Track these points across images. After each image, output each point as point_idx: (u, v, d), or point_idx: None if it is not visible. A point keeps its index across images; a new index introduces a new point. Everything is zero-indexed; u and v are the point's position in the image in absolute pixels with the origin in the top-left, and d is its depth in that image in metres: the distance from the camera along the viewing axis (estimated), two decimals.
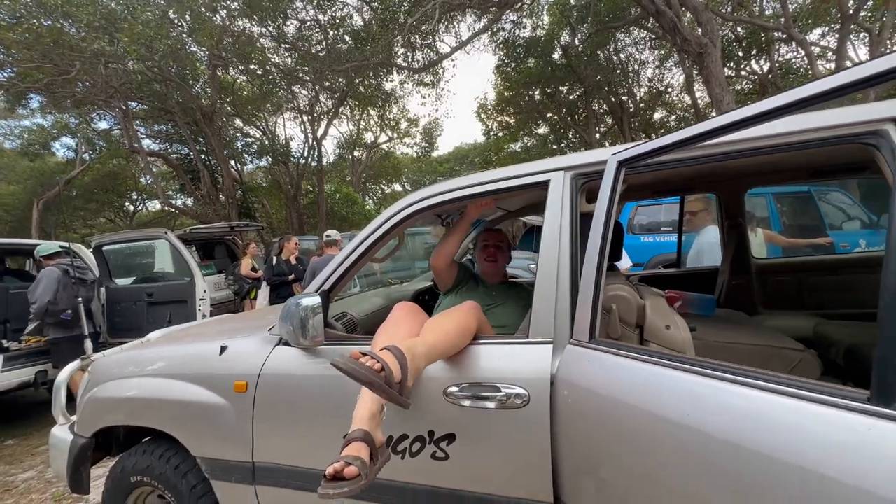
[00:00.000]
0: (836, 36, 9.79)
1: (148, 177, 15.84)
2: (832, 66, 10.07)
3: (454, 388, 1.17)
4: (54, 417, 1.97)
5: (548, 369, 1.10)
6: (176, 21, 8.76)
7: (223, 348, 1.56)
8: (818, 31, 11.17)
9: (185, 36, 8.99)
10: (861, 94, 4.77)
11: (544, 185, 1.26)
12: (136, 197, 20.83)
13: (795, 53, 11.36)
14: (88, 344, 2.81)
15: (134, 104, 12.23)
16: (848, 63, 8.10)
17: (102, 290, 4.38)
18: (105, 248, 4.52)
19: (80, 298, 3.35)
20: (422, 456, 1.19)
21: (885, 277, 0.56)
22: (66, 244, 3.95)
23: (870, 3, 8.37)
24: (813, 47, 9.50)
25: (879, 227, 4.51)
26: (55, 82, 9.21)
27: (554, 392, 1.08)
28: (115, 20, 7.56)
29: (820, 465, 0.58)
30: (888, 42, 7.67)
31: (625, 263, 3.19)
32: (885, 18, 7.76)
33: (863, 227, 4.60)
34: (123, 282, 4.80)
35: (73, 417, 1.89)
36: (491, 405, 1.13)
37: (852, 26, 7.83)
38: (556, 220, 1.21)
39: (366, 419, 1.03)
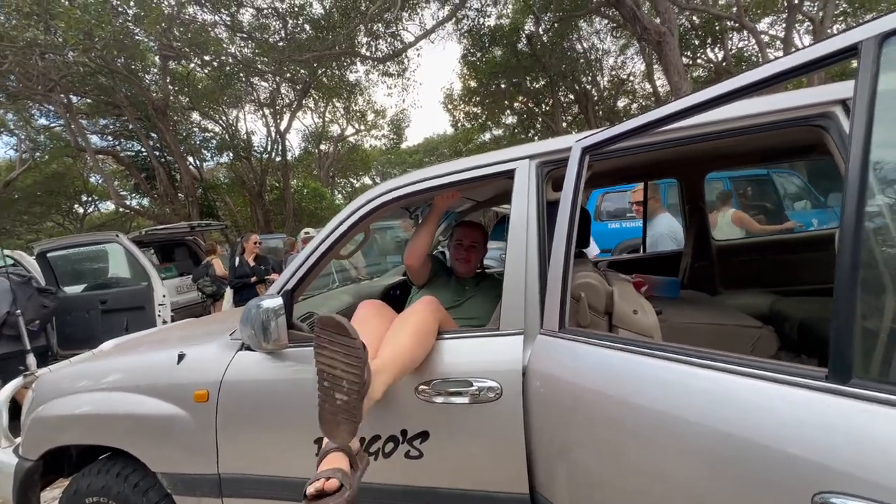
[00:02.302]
0: (784, 25, 10.28)
1: (98, 176, 14.85)
2: (780, 53, 10.57)
3: (426, 386, 1.14)
4: None
5: (519, 361, 1.09)
6: (119, 7, 8.17)
7: (181, 356, 1.47)
8: (767, 20, 11.70)
9: (129, 24, 8.39)
10: (806, 79, 5.03)
11: (510, 175, 1.24)
12: (86, 198, 19.53)
13: (747, 42, 11.86)
14: (31, 359, 2.61)
15: (77, 98, 11.40)
16: (794, 50, 8.50)
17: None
18: (50, 254, 4.20)
19: (45, 308, 3.10)
20: (395, 456, 1.17)
21: (840, 257, 0.56)
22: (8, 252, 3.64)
23: None
24: (762, 36, 9.94)
25: (827, 207, 4.79)
26: None
27: (526, 383, 1.07)
28: (50, 5, 6.95)
29: (785, 442, 0.59)
30: (829, 30, 8.11)
31: (593, 250, 3.25)
32: (826, 7, 8.20)
33: (814, 208, 4.88)
34: (73, 289, 4.48)
35: (18, 439, 1.75)
36: (463, 400, 1.11)
37: (798, 16, 8.22)
38: (522, 209, 1.20)
39: None
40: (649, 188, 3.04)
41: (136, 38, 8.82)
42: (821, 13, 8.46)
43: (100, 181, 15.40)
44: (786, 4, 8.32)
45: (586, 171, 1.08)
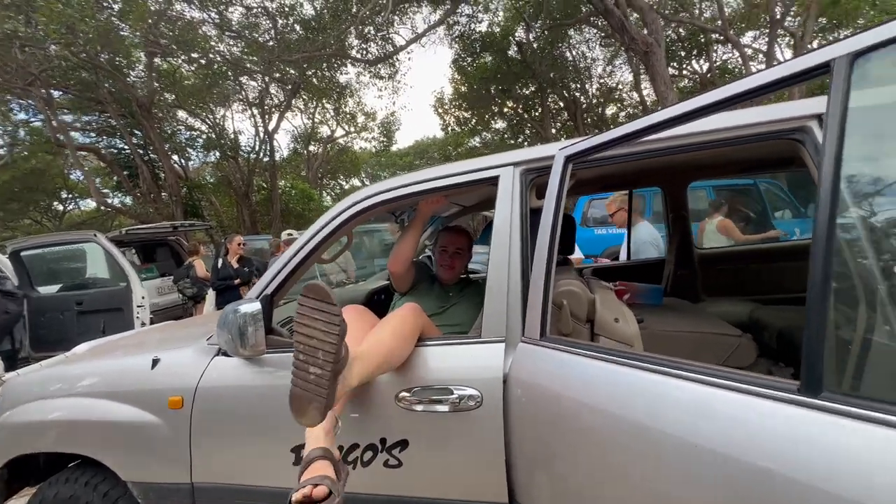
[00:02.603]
0: (766, 39, 10.57)
1: (78, 173, 14.47)
2: (763, 66, 10.86)
3: (406, 393, 1.13)
4: None
5: (500, 369, 1.08)
6: (104, 2, 8.00)
7: (155, 361, 1.43)
8: (750, 34, 12.03)
9: (114, 19, 8.23)
10: (786, 93, 5.17)
11: (494, 181, 1.24)
12: (66, 196, 19.02)
13: (731, 54, 12.16)
14: None
15: (58, 93, 11.12)
16: (775, 64, 8.74)
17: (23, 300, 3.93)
18: (24, 253, 4.06)
19: (7, 314, 2.98)
20: (374, 465, 1.15)
21: (812, 268, 0.57)
22: None
23: (794, 8, 9.09)
24: (746, 49, 10.20)
25: (807, 217, 4.92)
26: None
27: (507, 391, 1.07)
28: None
29: (759, 456, 0.59)
30: (809, 45, 8.36)
31: (577, 256, 3.29)
32: (806, 23, 8.46)
33: (794, 217, 5.00)
34: (48, 290, 4.34)
35: None
36: (444, 408, 1.09)
37: (779, 30, 8.47)
38: (506, 216, 1.19)
39: (321, 437, 0.99)
40: (616, 200, 3.08)
41: (122, 33, 8.65)
42: (801, 29, 8.73)
43: (81, 178, 15.00)
44: (768, 20, 8.56)
45: (569, 179, 1.08)
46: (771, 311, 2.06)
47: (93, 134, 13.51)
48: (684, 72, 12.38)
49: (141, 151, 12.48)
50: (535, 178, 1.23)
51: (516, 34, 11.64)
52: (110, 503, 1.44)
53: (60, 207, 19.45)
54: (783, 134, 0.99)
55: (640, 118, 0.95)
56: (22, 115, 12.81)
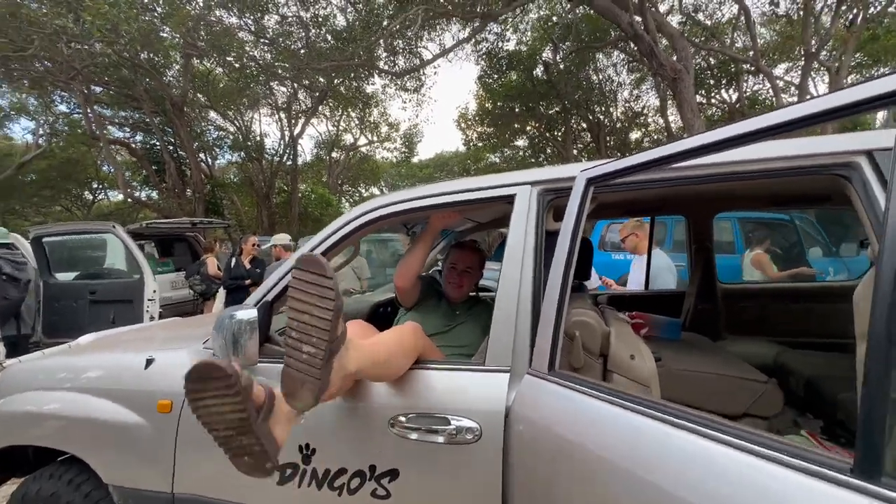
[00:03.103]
0: (800, 72, 10.37)
1: (108, 165, 15.00)
2: (795, 99, 10.63)
3: (401, 418, 1.06)
4: None
5: (503, 401, 1.00)
6: (148, 4, 8.35)
7: (149, 361, 1.39)
8: (782, 66, 11.83)
9: (157, 22, 8.58)
10: (819, 128, 5.00)
11: (509, 200, 1.18)
12: (96, 186, 19.71)
13: (762, 85, 11.96)
14: (1, 349, 2.53)
15: (99, 89, 11.60)
16: (808, 98, 8.53)
17: (40, 285, 4.01)
18: (45, 239, 4.16)
19: (7, 300, 3.04)
20: (360, 493, 1.07)
21: (873, 327, 0.49)
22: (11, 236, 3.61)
23: (829, 42, 8.90)
24: (778, 81, 10.01)
25: (839, 256, 4.68)
26: (9, 59, 8.61)
27: (508, 425, 0.99)
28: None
29: None
30: (845, 81, 8.15)
31: (593, 283, 3.18)
32: (843, 58, 8.26)
33: (825, 256, 4.77)
34: (66, 277, 4.42)
35: None
36: (439, 439, 1.02)
37: (814, 64, 8.29)
38: (520, 237, 1.13)
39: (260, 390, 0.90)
40: (640, 226, 2.97)
41: (162, 34, 9.00)
42: (837, 63, 8.53)
43: (111, 170, 15.54)
44: (803, 52, 8.40)
45: (590, 202, 1.01)
46: (799, 356, 1.93)
47: (126, 129, 14.03)
48: (713, 100, 12.21)
49: (170, 148, 12.87)
50: (553, 200, 1.17)
51: (543, 54, 11.70)
52: None
53: (90, 197, 20.14)
54: (827, 169, 0.91)
55: (668, 143, 0.88)
56: (63, 108, 13.43)
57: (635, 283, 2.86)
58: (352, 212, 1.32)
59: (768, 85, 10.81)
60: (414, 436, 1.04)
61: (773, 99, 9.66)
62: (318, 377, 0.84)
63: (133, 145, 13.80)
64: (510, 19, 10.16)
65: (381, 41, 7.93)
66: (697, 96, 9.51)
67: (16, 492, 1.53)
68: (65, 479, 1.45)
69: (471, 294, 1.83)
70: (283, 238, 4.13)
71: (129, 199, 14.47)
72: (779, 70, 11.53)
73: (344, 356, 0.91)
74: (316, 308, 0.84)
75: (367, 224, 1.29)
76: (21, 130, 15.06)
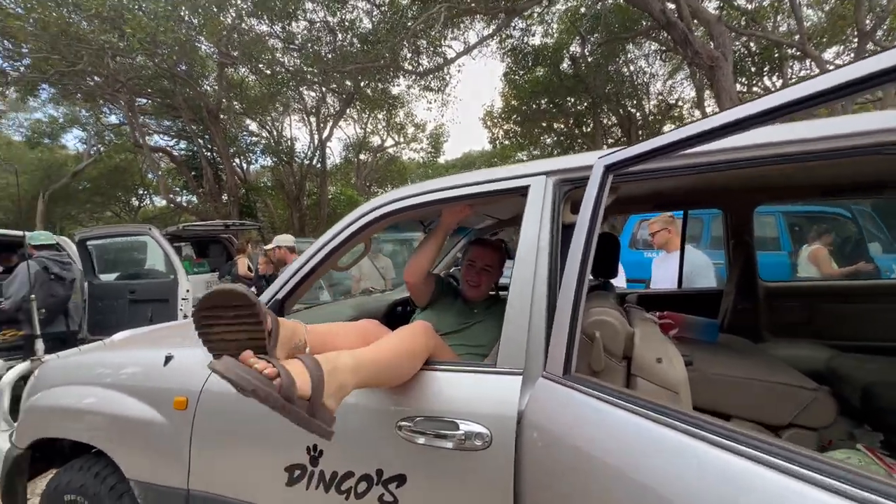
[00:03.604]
0: (851, 55, 9.61)
1: (151, 172, 15.86)
2: None
3: (408, 422, 1.01)
4: None
5: (515, 406, 0.94)
6: (184, 16, 8.75)
7: (168, 358, 1.41)
8: (831, 50, 10.99)
9: (193, 32, 8.97)
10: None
11: (523, 192, 1.11)
12: (141, 192, 20.91)
13: (809, 71, 11.17)
14: (39, 344, 2.68)
15: (143, 100, 12.28)
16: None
17: (85, 285, 4.26)
18: (89, 242, 4.41)
19: (53, 297, 3.23)
20: (368, 498, 1.03)
21: None
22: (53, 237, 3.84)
23: (886, 22, 8.19)
24: (828, 66, 9.31)
25: None
26: (64, 74, 9.23)
27: (520, 433, 0.92)
28: (123, 11, 7.54)
29: None
30: None
31: (619, 281, 3.03)
32: None
33: (885, 252, 4.36)
34: (108, 277, 4.67)
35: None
36: (447, 444, 0.96)
37: (869, 45, 7.64)
38: (534, 231, 1.06)
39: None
40: (672, 221, 2.77)
41: (197, 44, 9.40)
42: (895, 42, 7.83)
43: (156, 176, 16.43)
44: (856, 33, 7.76)
45: (609, 192, 0.93)
46: (854, 361, 1.75)
47: (167, 137, 14.79)
48: (754, 89, 11.52)
49: (207, 154, 13.45)
50: (570, 191, 1.09)
51: (571, 48, 11.40)
52: (115, 498, 1.43)
53: (136, 202, 21.38)
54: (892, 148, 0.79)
55: (695, 122, 0.79)
56: (113, 118, 14.30)
57: (662, 283, 2.69)
58: (360, 208, 1.29)
59: (816, 71, 10.07)
60: (421, 440, 0.99)
61: None
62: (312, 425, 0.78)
63: (174, 152, 14.51)
64: (535, 13, 9.95)
65: (406, 41, 7.95)
66: (737, 85, 8.97)
67: (50, 481, 1.60)
68: (92, 471, 1.50)
69: (490, 293, 1.76)
70: (286, 239, 3.92)
71: (171, 204, 15.24)
72: (828, 54, 10.74)
73: (339, 372, 0.85)
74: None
75: (375, 221, 1.25)
76: (72, 139, 16.15)
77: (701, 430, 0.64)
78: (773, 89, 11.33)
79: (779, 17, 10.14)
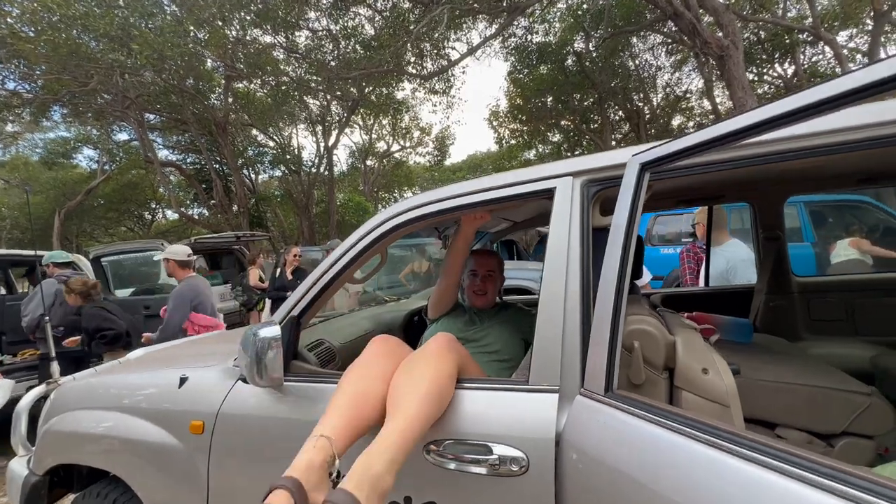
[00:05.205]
0: (865, 38, 9.34)
1: (163, 187, 16.10)
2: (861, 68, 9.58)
3: (436, 446, 0.95)
4: (13, 448, 1.80)
5: (552, 427, 0.87)
6: (189, 31, 8.85)
7: (183, 380, 1.37)
8: (844, 33, 10.70)
9: (199, 47, 9.07)
10: None
11: (549, 194, 1.04)
12: (153, 206, 21.24)
13: (821, 56, 10.89)
14: (55, 366, 2.67)
15: (152, 116, 12.47)
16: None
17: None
18: (104, 259, 4.44)
19: (71, 316, 3.23)
20: None
21: None
22: (73, 257, 3.86)
23: None
24: (842, 49, 9.06)
25: None
26: (76, 95, 9.40)
27: (560, 456, 0.85)
28: (130, 29, 7.65)
29: None
30: None
31: (645, 278, 2.93)
32: None
33: None
34: (123, 293, 4.70)
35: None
36: (480, 470, 0.90)
37: (886, 26, 7.41)
38: (562, 236, 0.99)
39: (301, 468, 0.80)
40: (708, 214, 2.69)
41: (203, 57, 9.50)
42: None
43: (167, 191, 16.69)
44: (871, 13, 7.52)
45: (645, 191, 0.86)
46: None
47: (177, 152, 14.99)
48: (766, 76, 11.27)
49: (217, 167, 13.60)
50: (598, 192, 1.02)
51: (575, 44, 11.28)
52: None
53: (149, 217, 21.73)
54: None
55: (738, 115, 0.72)
56: (123, 136, 14.57)
57: (715, 278, 2.56)
58: (376, 217, 1.23)
59: (829, 55, 9.83)
60: (452, 465, 0.92)
61: (836, 69, 8.75)
62: None
63: (183, 167, 14.70)
64: (537, 11, 9.87)
65: (409, 45, 7.93)
66: (748, 73, 8.77)
67: None
68: (110, 497, 1.46)
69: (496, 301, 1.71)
70: (177, 251, 3.44)
71: (183, 217, 15.44)
72: (840, 38, 10.45)
73: (378, 484, 0.78)
74: None
75: (393, 230, 1.19)
76: (84, 159, 16.47)
77: (762, 455, 0.57)
78: (784, 76, 11.09)
79: (788, 2, 9.90)
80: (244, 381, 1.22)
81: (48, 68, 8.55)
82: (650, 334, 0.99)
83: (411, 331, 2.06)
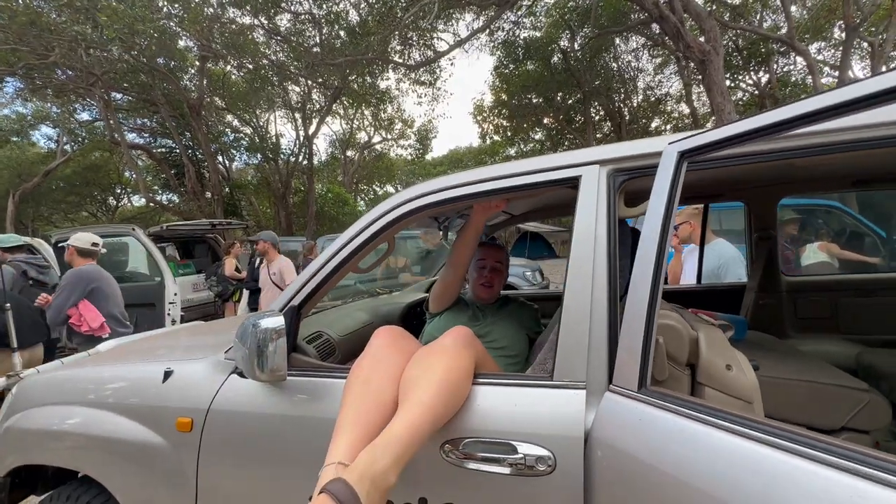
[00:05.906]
0: (833, 51, 9.79)
1: (129, 170, 15.31)
2: (828, 80, 10.07)
3: (453, 444, 0.89)
4: None
5: (581, 424, 0.83)
6: (163, 6, 8.37)
7: (167, 374, 1.26)
8: (814, 45, 11.18)
9: (172, 23, 8.60)
10: None
11: (573, 183, 1.00)
12: (119, 191, 20.20)
13: (792, 66, 11.36)
14: (17, 359, 2.46)
15: (119, 95, 11.78)
16: (851, 75, 8.04)
17: None
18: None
19: (37, 304, 3.00)
20: None
21: None
22: (27, 240, 3.59)
23: (871, 16, 8.34)
24: (814, 60, 9.45)
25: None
26: (34, 68, 8.76)
27: (588, 455, 0.81)
28: (97, 0, 7.16)
29: None
30: (890, 55, 7.61)
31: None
32: (885, 35, 7.71)
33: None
34: None
35: None
36: (503, 470, 0.85)
37: (856, 40, 7.77)
38: (589, 227, 0.95)
39: (340, 451, 0.78)
40: (696, 214, 2.72)
41: (177, 35, 9.02)
42: (880, 37, 7.96)
43: (133, 175, 15.87)
44: (843, 27, 7.86)
45: (682, 181, 0.83)
46: (886, 356, 1.70)
47: (146, 134, 14.25)
48: (741, 84, 11.67)
49: (189, 151, 13.01)
50: (625, 181, 0.98)
51: (561, 42, 11.35)
52: None
53: (114, 202, 20.65)
54: None
55: (792, 103, 0.69)
56: (86, 116, 13.70)
57: (690, 276, 2.62)
58: (384, 204, 1.16)
59: (800, 66, 10.25)
60: (471, 465, 0.88)
61: (809, 79, 9.13)
62: None
63: (152, 150, 14.00)
64: (524, 6, 9.85)
65: (396, 33, 7.76)
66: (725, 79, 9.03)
67: None
68: (82, 499, 1.34)
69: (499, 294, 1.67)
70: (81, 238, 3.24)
71: (151, 203, 14.73)
72: (811, 50, 10.91)
73: (379, 480, 0.73)
74: None
75: (403, 217, 1.13)
76: (42, 138, 15.42)
77: (806, 448, 0.57)
78: (758, 84, 11.51)
79: (765, 13, 10.25)
80: (240, 375, 1.13)
81: (3, 38, 7.92)
82: (675, 329, 0.97)
83: (410, 323, 2.00)
